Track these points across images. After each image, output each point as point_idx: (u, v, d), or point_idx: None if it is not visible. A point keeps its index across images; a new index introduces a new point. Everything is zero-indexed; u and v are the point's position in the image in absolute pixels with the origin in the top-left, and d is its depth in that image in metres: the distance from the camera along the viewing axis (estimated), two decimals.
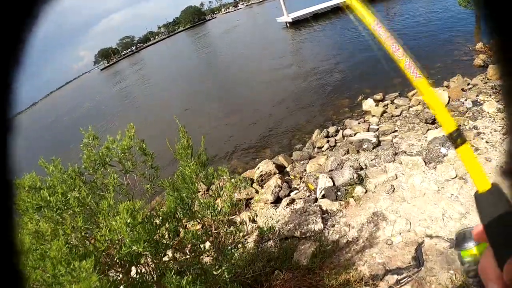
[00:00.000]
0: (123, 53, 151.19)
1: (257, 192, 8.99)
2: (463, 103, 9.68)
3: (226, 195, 3.70)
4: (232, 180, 4.01)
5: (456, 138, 0.79)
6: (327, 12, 38.74)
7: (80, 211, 3.20)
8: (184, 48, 70.02)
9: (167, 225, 3.42)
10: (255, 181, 9.45)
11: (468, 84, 10.84)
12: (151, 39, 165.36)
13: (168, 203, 3.41)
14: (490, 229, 0.69)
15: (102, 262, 3.08)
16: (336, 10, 38.06)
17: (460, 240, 0.89)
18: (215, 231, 3.78)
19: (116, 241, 2.98)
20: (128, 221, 2.77)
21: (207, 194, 3.81)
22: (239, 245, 4.22)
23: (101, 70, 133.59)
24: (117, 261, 3.28)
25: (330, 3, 40.82)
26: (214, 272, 3.65)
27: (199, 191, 3.60)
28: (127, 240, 2.78)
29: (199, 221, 3.77)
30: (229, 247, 3.79)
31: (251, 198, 8.77)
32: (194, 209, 3.58)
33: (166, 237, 3.34)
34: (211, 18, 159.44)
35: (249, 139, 13.91)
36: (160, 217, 3.36)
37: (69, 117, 42.03)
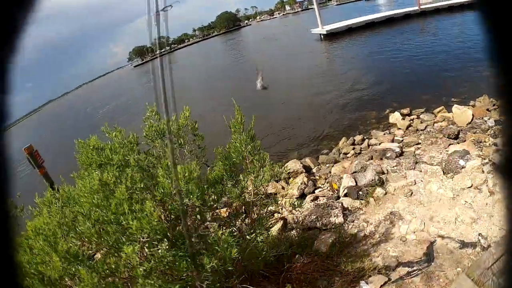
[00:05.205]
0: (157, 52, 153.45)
1: (283, 188, 9.63)
2: (486, 121, 10.14)
3: (268, 166, 4.38)
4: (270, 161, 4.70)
5: None
6: (361, 27, 39.19)
7: (137, 170, 3.91)
8: (219, 52, 71.36)
9: (213, 189, 4.08)
10: (282, 178, 10.11)
11: (494, 105, 11.22)
12: (186, 41, 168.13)
13: (217, 169, 4.10)
14: None
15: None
16: (371, 25, 38.59)
17: None
18: (254, 198, 4.45)
19: (171, 194, 3.64)
20: (186, 174, 3.46)
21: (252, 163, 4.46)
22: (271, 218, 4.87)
23: (134, 67, 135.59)
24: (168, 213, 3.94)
25: (365, 18, 41.31)
26: (248, 237, 4.31)
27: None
28: (184, 190, 3.46)
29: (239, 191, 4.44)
30: (264, 216, 4.46)
31: (276, 194, 9.41)
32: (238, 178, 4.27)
33: (212, 198, 4.02)
34: (246, 25, 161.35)
35: (278, 141, 14.57)
36: (209, 181, 4.05)
37: (106, 109, 43.39)
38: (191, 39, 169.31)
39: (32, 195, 4.28)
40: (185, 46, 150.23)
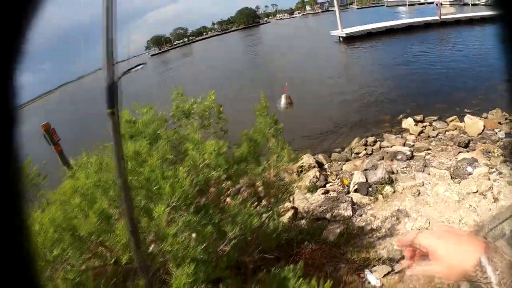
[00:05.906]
0: (175, 43, 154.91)
1: (295, 181, 9.97)
2: (496, 133, 10.41)
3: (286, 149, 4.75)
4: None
5: None
6: (381, 32, 39.26)
7: (166, 143, 4.25)
8: (238, 48, 71.88)
9: (237, 166, 4.42)
10: (294, 171, 10.44)
11: (506, 119, 11.45)
12: (204, 34, 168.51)
13: (241, 150, 4.46)
14: None
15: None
16: (390, 31, 38.68)
17: None
18: (273, 178, 4.81)
19: (199, 165, 3.95)
20: (215, 149, 3.80)
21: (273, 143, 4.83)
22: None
23: (151, 56, 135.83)
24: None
25: (385, 23, 41.41)
26: (264, 215, 4.65)
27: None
28: (212, 163, 3.80)
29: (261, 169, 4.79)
30: (279, 196, 4.81)
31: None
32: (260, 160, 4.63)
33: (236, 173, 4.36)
34: (265, 22, 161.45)
35: (293, 137, 14.81)
36: (234, 158, 4.41)
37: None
38: (209, 32, 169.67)
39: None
40: (203, 38, 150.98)
